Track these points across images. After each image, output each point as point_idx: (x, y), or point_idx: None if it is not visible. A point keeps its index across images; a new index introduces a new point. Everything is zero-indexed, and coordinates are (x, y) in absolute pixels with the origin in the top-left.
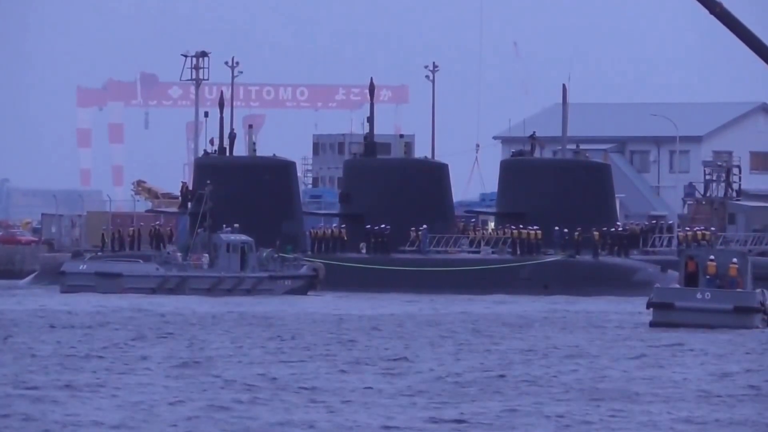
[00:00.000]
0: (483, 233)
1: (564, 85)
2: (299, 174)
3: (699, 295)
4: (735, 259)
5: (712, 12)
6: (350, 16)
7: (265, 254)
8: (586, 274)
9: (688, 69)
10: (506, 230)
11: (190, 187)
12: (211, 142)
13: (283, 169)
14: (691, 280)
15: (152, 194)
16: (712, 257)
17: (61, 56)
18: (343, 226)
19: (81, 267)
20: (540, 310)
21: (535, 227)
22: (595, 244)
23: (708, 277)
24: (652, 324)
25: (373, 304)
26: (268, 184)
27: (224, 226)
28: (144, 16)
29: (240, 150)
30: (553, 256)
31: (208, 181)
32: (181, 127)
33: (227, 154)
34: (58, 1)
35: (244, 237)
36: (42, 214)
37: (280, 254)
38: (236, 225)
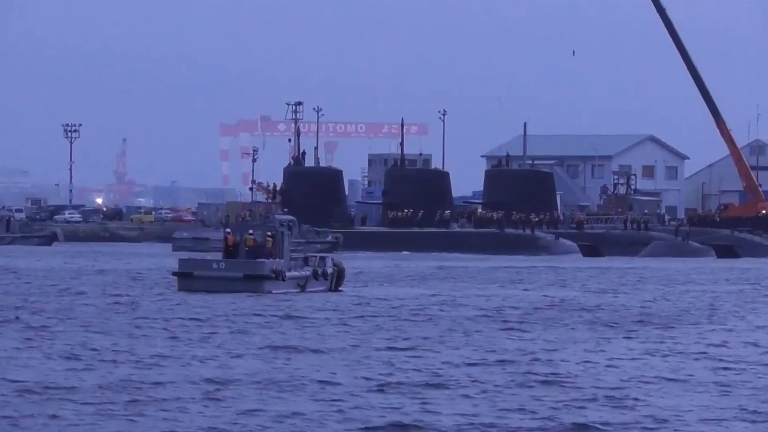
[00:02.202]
0: (474, 215)
1: (524, 123)
2: (359, 178)
3: (215, 265)
4: (269, 232)
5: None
6: (389, 76)
7: (305, 228)
8: (510, 240)
9: (609, 107)
10: (488, 214)
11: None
12: (293, 158)
13: (335, 174)
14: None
15: (266, 191)
16: (250, 231)
17: (209, 104)
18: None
19: (184, 234)
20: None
21: (501, 212)
22: (533, 223)
23: (247, 248)
24: (179, 288)
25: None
26: (325, 183)
27: (280, 211)
28: (263, 76)
29: (309, 163)
30: (491, 229)
31: (274, 183)
32: (284, 149)
33: (302, 164)
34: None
35: (290, 216)
36: (198, 203)
37: (314, 228)
38: (285, 210)
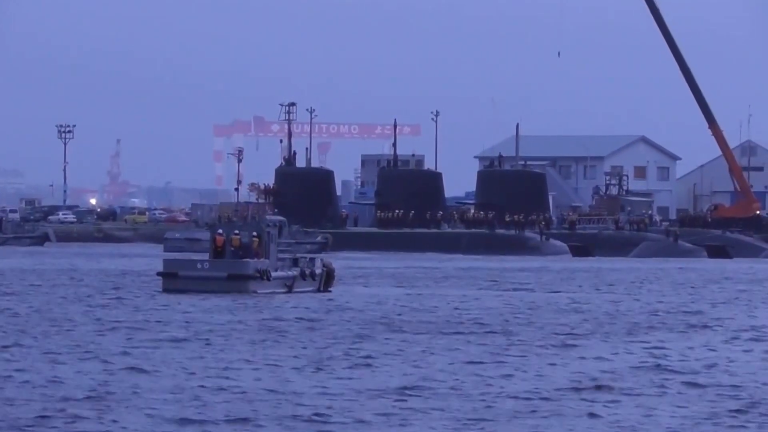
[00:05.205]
0: (465, 215)
1: (517, 124)
2: (352, 179)
3: (199, 266)
4: (254, 233)
5: None
6: (382, 77)
7: (294, 228)
8: (500, 240)
9: (601, 108)
10: (479, 214)
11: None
12: (285, 159)
13: (326, 174)
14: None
15: (259, 191)
16: (236, 232)
17: (203, 105)
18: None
19: (176, 235)
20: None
21: (492, 212)
22: (522, 224)
23: (232, 249)
24: (164, 289)
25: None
26: (316, 184)
27: (270, 212)
28: (256, 77)
29: (301, 163)
30: (482, 230)
31: (266, 183)
32: (278, 149)
33: (293, 165)
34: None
35: (280, 217)
36: (192, 204)
37: (304, 229)
38: (276, 210)
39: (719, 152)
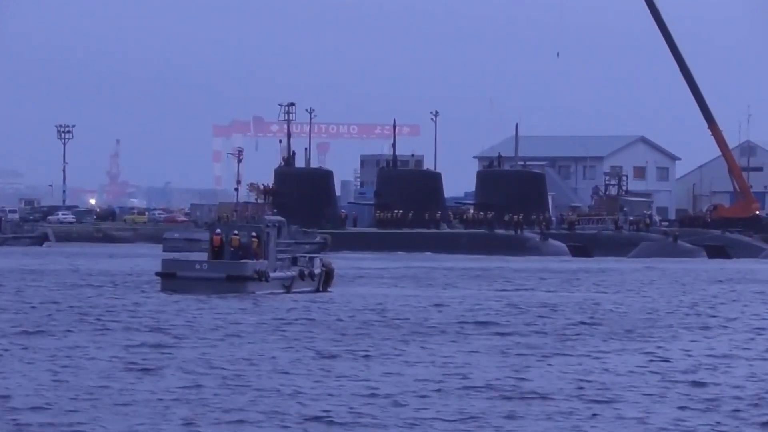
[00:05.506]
0: (465, 216)
1: (516, 124)
2: (351, 179)
3: (198, 266)
4: (254, 233)
5: None
6: (381, 77)
7: (293, 229)
8: (499, 241)
9: (600, 108)
10: (478, 214)
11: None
12: (284, 159)
13: (325, 174)
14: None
15: (259, 191)
16: (235, 232)
17: (202, 105)
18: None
19: (175, 235)
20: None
21: (491, 213)
22: (521, 224)
23: (231, 249)
24: (162, 289)
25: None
26: (316, 184)
27: (269, 212)
28: (256, 78)
29: (300, 163)
30: (481, 230)
31: (266, 183)
32: (277, 149)
33: (293, 165)
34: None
35: (279, 217)
36: (191, 204)
37: (303, 229)
38: (275, 210)
39: (719, 152)
